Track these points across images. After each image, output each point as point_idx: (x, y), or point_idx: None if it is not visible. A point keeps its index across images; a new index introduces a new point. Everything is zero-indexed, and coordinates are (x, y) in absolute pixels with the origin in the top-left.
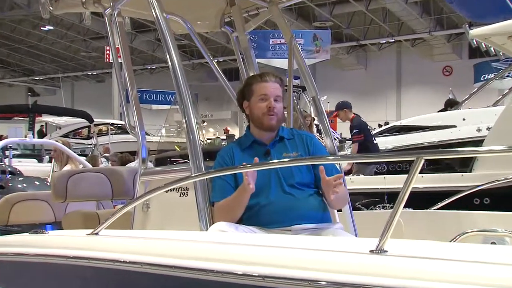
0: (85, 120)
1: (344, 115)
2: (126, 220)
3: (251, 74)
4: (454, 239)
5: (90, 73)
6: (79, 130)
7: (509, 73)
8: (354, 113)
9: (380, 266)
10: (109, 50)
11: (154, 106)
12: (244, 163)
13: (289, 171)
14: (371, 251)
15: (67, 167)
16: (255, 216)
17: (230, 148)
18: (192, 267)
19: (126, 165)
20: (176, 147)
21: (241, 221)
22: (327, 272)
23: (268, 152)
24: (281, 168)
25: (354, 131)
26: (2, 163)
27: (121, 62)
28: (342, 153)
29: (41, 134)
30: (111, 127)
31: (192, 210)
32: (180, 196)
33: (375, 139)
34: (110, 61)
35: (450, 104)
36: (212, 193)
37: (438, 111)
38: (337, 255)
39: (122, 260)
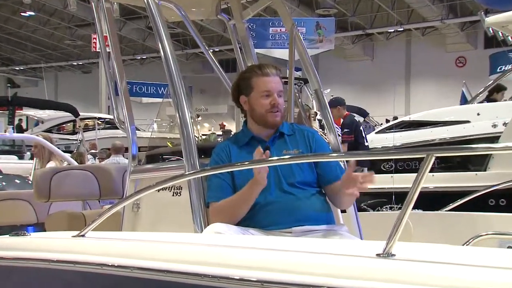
0: (69, 114)
1: (337, 112)
2: (114, 221)
3: (249, 65)
4: (467, 243)
5: (75, 63)
6: (63, 125)
7: None
8: (348, 112)
9: (387, 270)
10: (96, 39)
11: (145, 99)
12: (242, 161)
13: (290, 169)
14: (378, 255)
15: (50, 165)
16: (253, 217)
17: (226, 145)
18: (186, 271)
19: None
20: (169, 143)
21: (238, 222)
22: (330, 277)
23: (268, 149)
24: (281, 166)
25: (345, 130)
26: None
27: (109, 52)
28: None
29: (19, 129)
30: (98, 122)
31: (185, 210)
32: (173, 195)
33: (367, 141)
34: (97, 50)
35: (498, 89)
36: (208, 192)
37: (487, 100)
38: (341, 259)
39: (110, 264)
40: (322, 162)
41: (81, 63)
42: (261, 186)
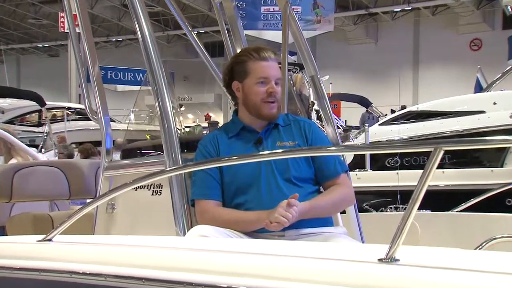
0: (34, 103)
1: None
2: (86, 223)
3: (238, 49)
4: (481, 246)
5: (41, 45)
6: (27, 116)
7: None
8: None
9: (390, 277)
10: (64, 17)
11: (120, 87)
12: (231, 156)
13: (285, 164)
14: (380, 260)
15: (13, 161)
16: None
17: (215, 136)
18: (167, 279)
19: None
20: (147, 136)
21: None
22: (328, 284)
23: (260, 141)
24: (276, 160)
25: None
26: None
27: (79, 32)
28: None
29: None
30: (68, 112)
31: (166, 211)
32: (153, 194)
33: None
34: (66, 30)
35: None
36: (192, 189)
37: None
38: (340, 264)
39: (81, 272)
40: (318, 157)
41: (47, 45)
42: (260, 226)
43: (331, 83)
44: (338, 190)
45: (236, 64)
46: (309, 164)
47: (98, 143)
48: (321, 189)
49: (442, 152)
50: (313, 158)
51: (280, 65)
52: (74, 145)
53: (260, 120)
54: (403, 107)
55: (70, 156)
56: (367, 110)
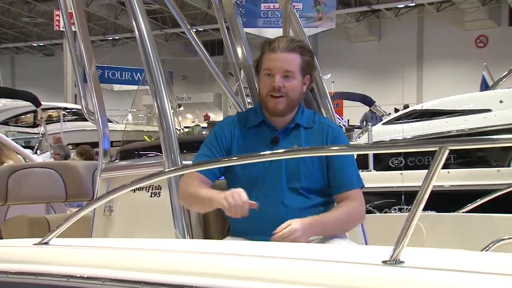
0: (29, 104)
1: None
2: (83, 226)
3: (237, 47)
4: (487, 248)
5: (35, 44)
6: (22, 116)
7: None
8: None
9: (394, 279)
10: (59, 15)
11: (117, 86)
12: (231, 156)
13: (297, 171)
14: (384, 262)
15: (10, 162)
16: (240, 221)
17: (234, 121)
18: (166, 282)
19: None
20: (146, 137)
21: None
22: (331, 287)
23: (276, 140)
24: (288, 165)
25: None
26: None
27: (75, 31)
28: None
29: None
30: (64, 113)
31: (165, 213)
32: (151, 196)
33: None
34: (61, 29)
35: None
36: (194, 158)
37: None
38: (344, 267)
39: (78, 276)
40: (334, 165)
41: (42, 44)
42: (215, 207)
43: (333, 82)
44: (347, 206)
45: (259, 57)
46: (323, 174)
47: (95, 144)
48: (328, 200)
49: (447, 152)
50: (328, 167)
51: (305, 55)
52: (70, 146)
53: (279, 117)
54: (406, 106)
55: (67, 157)
56: (370, 110)
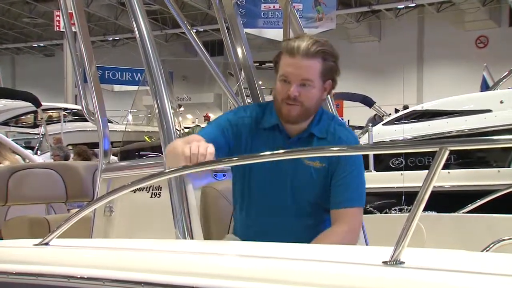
0: (30, 104)
1: None
2: (83, 227)
3: (238, 48)
4: (488, 248)
5: (36, 45)
6: (22, 117)
7: None
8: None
9: (395, 280)
10: (59, 16)
11: (117, 87)
12: (232, 156)
13: (303, 182)
14: (385, 263)
15: (6, 163)
16: (237, 222)
17: (251, 116)
18: (167, 283)
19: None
20: (146, 138)
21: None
22: (332, 287)
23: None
24: (297, 175)
25: None
26: None
27: (75, 32)
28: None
29: None
30: (64, 113)
31: (165, 213)
32: (151, 197)
33: None
34: (61, 29)
35: None
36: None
37: None
38: (344, 267)
39: (78, 276)
40: (337, 178)
41: (42, 45)
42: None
43: None
44: (333, 234)
45: (278, 54)
46: (328, 187)
47: (95, 145)
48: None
49: (447, 152)
50: (332, 178)
51: (327, 60)
52: (70, 147)
53: (292, 124)
54: (406, 107)
55: (67, 158)
56: (375, 115)
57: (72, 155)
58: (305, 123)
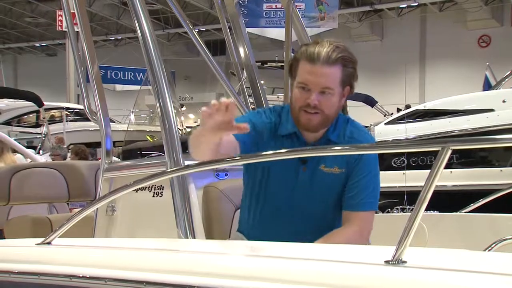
0: (32, 104)
1: None
2: (86, 226)
3: (240, 47)
4: (490, 248)
5: (38, 45)
6: (25, 116)
7: None
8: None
9: (397, 279)
10: (61, 16)
11: (119, 87)
12: (236, 155)
13: (323, 190)
14: (387, 262)
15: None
16: (244, 223)
17: (276, 123)
18: (169, 282)
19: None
20: (148, 137)
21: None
22: (334, 287)
23: (305, 161)
24: (316, 182)
25: None
26: None
27: (77, 31)
28: None
29: None
30: (66, 113)
31: (168, 213)
32: (153, 196)
33: None
34: (64, 29)
35: None
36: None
37: None
38: (346, 267)
39: (81, 275)
40: (353, 180)
41: (44, 44)
42: (205, 131)
43: None
44: (343, 234)
45: (294, 59)
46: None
47: (97, 144)
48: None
49: (449, 152)
50: (348, 179)
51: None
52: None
53: (310, 132)
54: (408, 106)
55: (65, 157)
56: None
57: (69, 154)
58: (323, 130)
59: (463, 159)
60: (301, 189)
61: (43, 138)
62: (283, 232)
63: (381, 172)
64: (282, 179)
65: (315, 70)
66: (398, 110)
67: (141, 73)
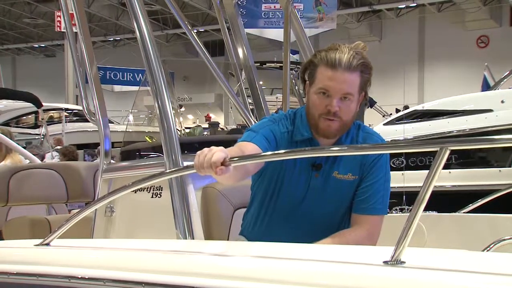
0: (30, 105)
1: None
2: (84, 227)
3: (238, 48)
4: (489, 248)
5: (37, 45)
6: (23, 117)
7: None
8: None
9: (395, 280)
10: (60, 16)
11: (117, 87)
12: (234, 156)
13: (337, 197)
14: (385, 262)
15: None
16: (248, 226)
17: (291, 131)
18: (167, 283)
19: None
20: (147, 138)
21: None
22: (333, 287)
23: (319, 167)
24: (329, 189)
25: None
26: None
27: (76, 32)
28: None
29: None
30: (65, 114)
31: (166, 214)
32: (152, 197)
33: None
34: (62, 30)
35: None
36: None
37: None
38: (345, 267)
39: (79, 276)
40: (364, 182)
41: (43, 45)
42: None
43: None
44: (350, 236)
45: (311, 63)
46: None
47: (96, 145)
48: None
49: (448, 152)
50: (359, 184)
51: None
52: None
53: (327, 139)
54: (406, 107)
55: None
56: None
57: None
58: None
59: (461, 160)
60: (311, 195)
61: (42, 139)
62: (289, 236)
63: None
64: (294, 191)
65: (337, 76)
66: (397, 110)
67: (139, 74)
